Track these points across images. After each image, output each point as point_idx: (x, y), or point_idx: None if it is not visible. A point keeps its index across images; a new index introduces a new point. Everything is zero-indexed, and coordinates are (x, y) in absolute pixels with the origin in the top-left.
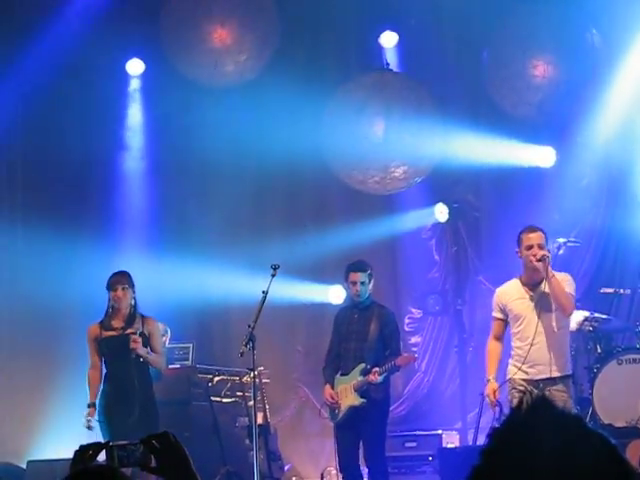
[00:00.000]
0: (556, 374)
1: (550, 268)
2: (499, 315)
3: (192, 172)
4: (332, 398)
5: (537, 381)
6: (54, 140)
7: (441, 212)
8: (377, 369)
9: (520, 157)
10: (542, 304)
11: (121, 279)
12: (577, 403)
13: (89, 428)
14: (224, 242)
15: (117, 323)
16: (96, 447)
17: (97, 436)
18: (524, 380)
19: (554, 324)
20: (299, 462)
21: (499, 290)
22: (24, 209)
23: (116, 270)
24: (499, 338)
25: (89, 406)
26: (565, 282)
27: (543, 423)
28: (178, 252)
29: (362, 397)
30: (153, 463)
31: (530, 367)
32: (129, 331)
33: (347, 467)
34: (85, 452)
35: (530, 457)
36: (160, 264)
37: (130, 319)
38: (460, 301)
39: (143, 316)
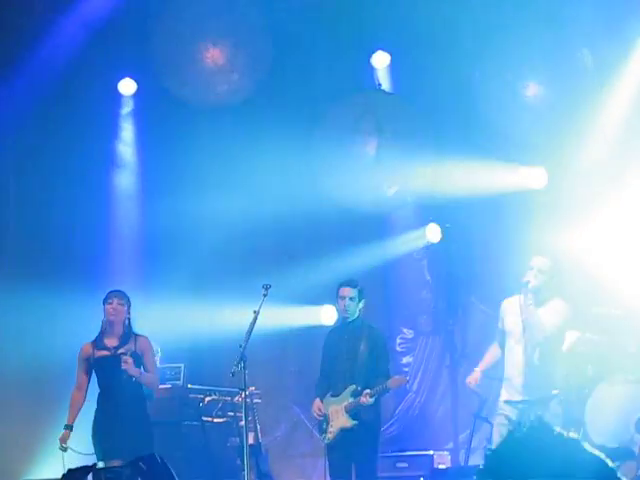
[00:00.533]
0: (536, 395)
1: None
2: (500, 325)
3: (184, 191)
4: (319, 410)
5: (518, 402)
6: (45, 159)
7: (433, 232)
8: (368, 391)
9: (512, 177)
10: (529, 325)
11: (118, 294)
12: (569, 424)
13: (64, 450)
14: (216, 263)
15: (110, 342)
16: (83, 470)
17: (86, 458)
18: (505, 402)
19: (537, 347)
20: None
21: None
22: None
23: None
24: (501, 346)
25: (66, 428)
26: (554, 312)
27: (540, 444)
28: (169, 273)
29: (353, 419)
30: None
31: (511, 388)
32: (121, 351)
33: None
34: (73, 475)
35: (526, 478)
36: (151, 285)
37: (124, 338)
38: (452, 321)
39: (136, 335)
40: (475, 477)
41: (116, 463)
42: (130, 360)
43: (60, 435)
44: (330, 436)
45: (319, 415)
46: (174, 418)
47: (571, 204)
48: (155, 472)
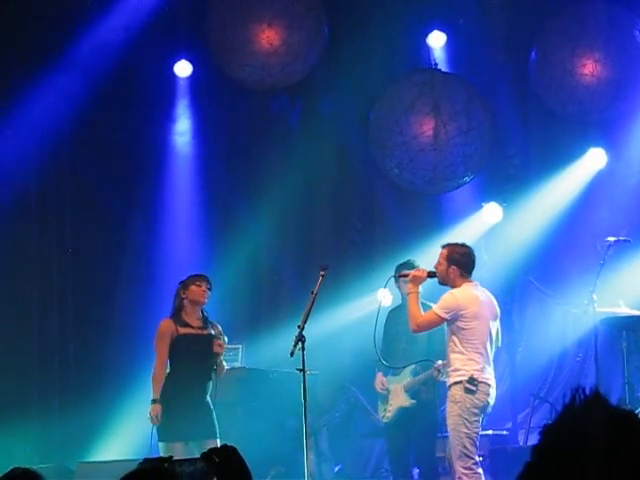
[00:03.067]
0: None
1: (411, 285)
2: None
3: (240, 172)
4: (382, 385)
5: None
6: (102, 142)
7: (492, 212)
8: (441, 362)
9: (571, 157)
10: None
11: (208, 278)
12: (629, 403)
13: (158, 423)
14: (273, 241)
15: (193, 321)
16: (158, 461)
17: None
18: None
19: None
20: (349, 463)
21: None
22: (73, 220)
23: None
24: None
25: (155, 402)
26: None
27: (596, 419)
28: (226, 250)
29: (412, 398)
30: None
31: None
32: (209, 332)
33: (398, 467)
34: (149, 464)
35: (583, 453)
36: (208, 266)
37: (205, 321)
38: (509, 300)
39: (211, 321)
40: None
41: (178, 446)
42: (224, 344)
43: (151, 409)
44: (389, 415)
45: (382, 389)
46: (232, 399)
47: (631, 183)
48: (228, 465)
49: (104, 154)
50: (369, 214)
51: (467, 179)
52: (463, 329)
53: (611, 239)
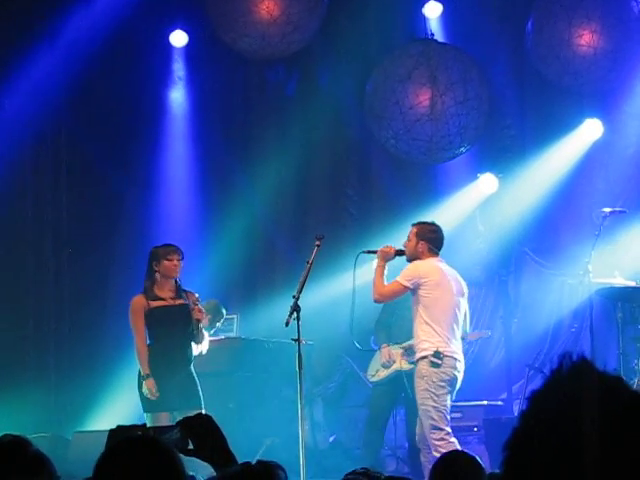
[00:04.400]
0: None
1: (379, 260)
2: None
3: (236, 142)
4: (390, 357)
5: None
6: (98, 110)
7: (488, 182)
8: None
9: (566, 127)
10: None
11: (178, 250)
12: (624, 373)
13: (156, 398)
14: (269, 212)
15: (164, 293)
16: (132, 428)
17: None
18: None
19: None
20: (344, 432)
21: None
22: (69, 189)
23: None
24: None
25: (147, 377)
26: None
27: (582, 384)
28: (222, 220)
29: (410, 363)
30: (190, 445)
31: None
32: (180, 302)
33: (372, 434)
34: (121, 433)
35: (569, 418)
36: (204, 235)
37: (178, 290)
38: (505, 272)
39: (185, 290)
40: (518, 420)
41: (164, 416)
42: (203, 310)
43: (145, 385)
44: (382, 374)
45: (388, 361)
46: (227, 369)
47: (627, 154)
48: (205, 433)
49: (100, 123)
50: (365, 184)
51: (463, 149)
52: (425, 297)
53: (607, 210)
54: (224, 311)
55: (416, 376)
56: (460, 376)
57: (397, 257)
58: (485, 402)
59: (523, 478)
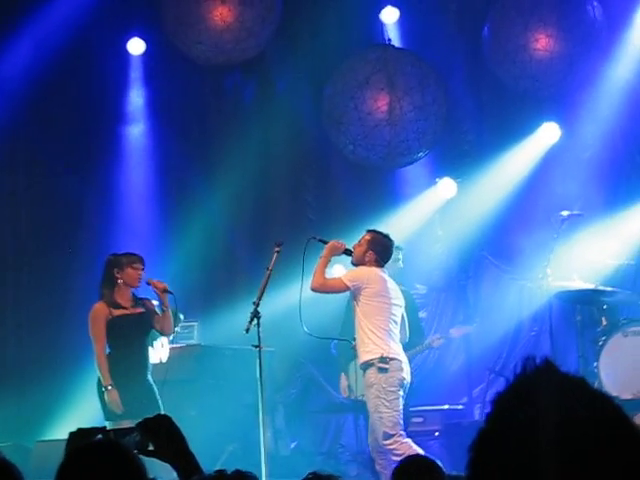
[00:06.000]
0: (361, 360)
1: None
2: None
3: (194, 150)
4: (345, 392)
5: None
6: (56, 117)
7: (447, 187)
8: (438, 335)
9: (523, 132)
10: None
11: (141, 260)
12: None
13: (121, 410)
14: (228, 218)
15: (124, 302)
16: (92, 431)
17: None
18: None
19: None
20: (305, 439)
21: None
22: (26, 196)
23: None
24: None
25: (110, 387)
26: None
27: (546, 386)
28: (181, 227)
29: None
30: (150, 447)
31: None
32: (142, 310)
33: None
34: (82, 435)
35: (534, 420)
36: (163, 242)
37: (135, 298)
38: (464, 276)
39: (141, 298)
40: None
41: (126, 424)
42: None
43: (108, 396)
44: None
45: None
46: (188, 376)
47: (584, 158)
48: (165, 434)
49: (58, 129)
50: (324, 190)
51: (421, 154)
52: (367, 304)
53: (565, 213)
54: (181, 316)
55: (365, 385)
56: (408, 378)
57: (343, 255)
58: (446, 406)
59: (492, 478)
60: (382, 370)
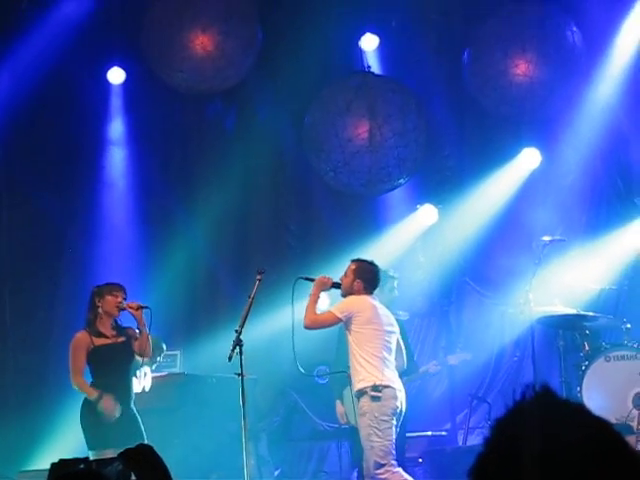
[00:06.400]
0: (355, 388)
1: (315, 289)
2: None
3: (176, 178)
4: (342, 418)
5: None
6: (36, 147)
7: (428, 213)
8: (435, 362)
9: (505, 157)
10: None
11: (121, 288)
12: None
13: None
14: (210, 246)
15: (106, 330)
16: (74, 462)
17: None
18: None
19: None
20: (289, 466)
21: None
22: (8, 225)
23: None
24: None
25: (101, 397)
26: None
27: (545, 412)
28: (163, 256)
29: None
30: (132, 477)
31: None
32: (124, 339)
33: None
34: (63, 466)
35: (531, 446)
36: (145, 271)
37: (118, 328)
38: (446, 302)
39: (124, 327)
40: (478, 455)
41: (109, 453)
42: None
43: (107, 405)
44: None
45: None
46: (171, 405)
47: (565, 182)
48: (147, 464)
49: (39, 161)
50: (305, 217)
51: (402, 181)
52: (358, 332)
53: (546, 238)
54: (164, 346)
55: (358, 413)
56: (402, 406)
57: (332, 289)
58: (429, 433)
59: None
60: (375, 399)
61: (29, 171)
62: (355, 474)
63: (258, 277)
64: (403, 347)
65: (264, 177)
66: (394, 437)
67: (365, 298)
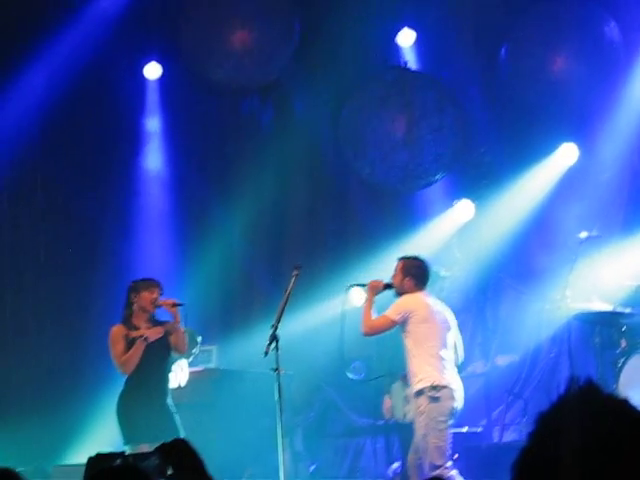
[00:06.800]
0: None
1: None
2: None
3: (212, 174)
4: (388, 413)
5: None
6: (74, 142)
7: (465, 209)
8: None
9: (542, 153)
10: None
11: (158, 285)
12: None
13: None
14: (246, 242)
15: (142, 325)
16: (112, 456)
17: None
18: None
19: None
20: (324, 462)
21: None
22: (46, 224)
23: (141, 275)
24: None
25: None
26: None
27: (591, 406)
28: (199, 252)
29: None
30: (169, 471)
31: None
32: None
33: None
34: (101, 460)
35: (575, 439)
36: (181, 267)
37: (153, 321)
38: (483, 298)
39: (161, 322)
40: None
41: (145, 448)
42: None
43: (153, 332)
44: (411, 415)
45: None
46: (207, 400)
47: (602, 178)
48: (183, 457)
49: (75, 156)
50: (341, 213)
51: (439, 177)
52: (414, 332)
53: (583, 235)
54: (199, 338)
55: (415, 412)
56: (459, 406)
57: (386, 290)
58: (465, 429)
59: None
60: (433, 399)
61: (65, 165)
62: (391, 470)
63: (295, 272)
64: (460, 341)
65: (300, 173)
66: (449, 439)
67: (418, 296)
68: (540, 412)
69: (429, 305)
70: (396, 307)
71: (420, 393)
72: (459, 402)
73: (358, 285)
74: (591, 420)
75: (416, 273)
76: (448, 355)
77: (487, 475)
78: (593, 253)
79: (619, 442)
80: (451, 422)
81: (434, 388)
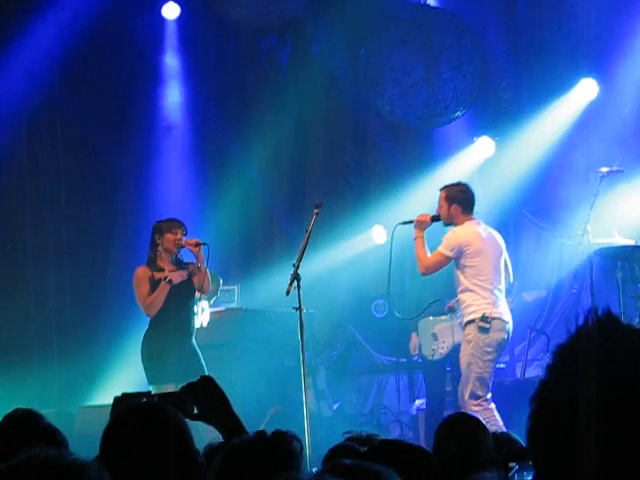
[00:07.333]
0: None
1: (417, 230)
2: None
3: (231, 113)
4: (415, 349)
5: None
6: (92, 85)
7: (485, 146)
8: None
9: (561, 89)
10: None
11: (181, 225)
12: None
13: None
14: (266, 181)
15: (166, 266)
16: (137, 395)
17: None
18: None
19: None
20: (347, 400)
21: None
22: (66, 165)
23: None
24: None
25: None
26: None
27: (609, 337)
28: (219, 192)
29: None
30: (195, 410)
31: None
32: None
33: (434, 401)
34: (126, 399)
35: (597, 370)
36: (201, 207)
37: (178, 262)
38: (504, 235)
39: (186, 263)
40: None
41: (170, 388)
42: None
43: (177, 275)
44: (442, 351)
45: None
46: (230, 340)
47: (623, 113)
48: (208, 396)
49: (94, 98)
50: (361, 151)
51: (459, 114)
52: (468, 266)
53: (604, 170)
54: (221, 280)
55: (463, 339)
56: (508, 336)
57: (434, 223)
58: None
59: (550, 430)
60: (482, 329)
61: (85, 108)
62: (414, 407)
63: (316, 211)
64: (509, 264)
65: (320, 111)
66: (492, 370)
67: (468, 226)
68: (558, 344)
69: (480, 235)
70: (448, 242)
71: (470, 322)
72: (508, 334)
73: (405, 223)
74: (608, 352)
75: (461, 198)
76: (501, 286)
77: (510, 410)
78: (614, 188)
79: (636, 374)
80: (497, 355)
81: (484, 319)
